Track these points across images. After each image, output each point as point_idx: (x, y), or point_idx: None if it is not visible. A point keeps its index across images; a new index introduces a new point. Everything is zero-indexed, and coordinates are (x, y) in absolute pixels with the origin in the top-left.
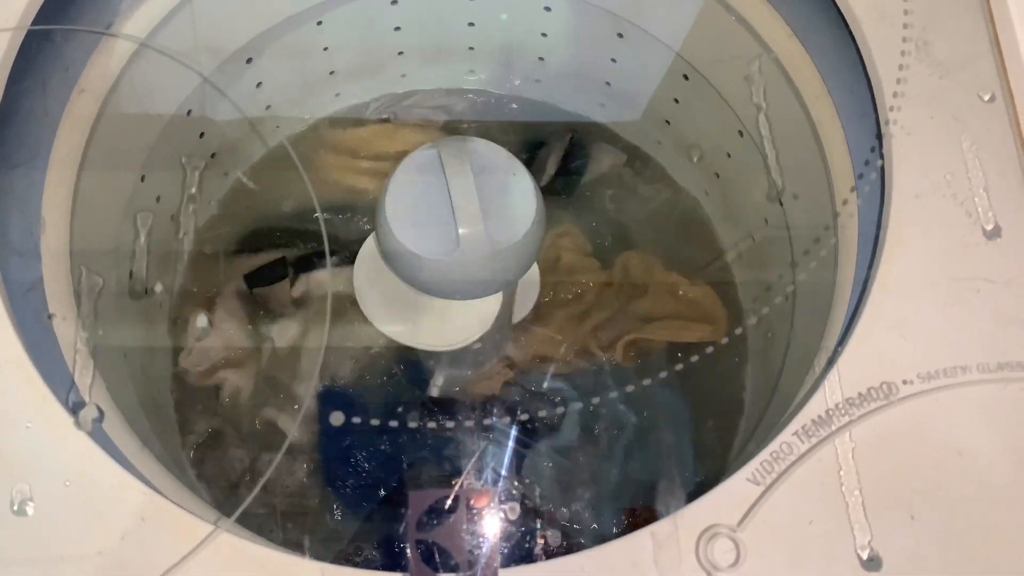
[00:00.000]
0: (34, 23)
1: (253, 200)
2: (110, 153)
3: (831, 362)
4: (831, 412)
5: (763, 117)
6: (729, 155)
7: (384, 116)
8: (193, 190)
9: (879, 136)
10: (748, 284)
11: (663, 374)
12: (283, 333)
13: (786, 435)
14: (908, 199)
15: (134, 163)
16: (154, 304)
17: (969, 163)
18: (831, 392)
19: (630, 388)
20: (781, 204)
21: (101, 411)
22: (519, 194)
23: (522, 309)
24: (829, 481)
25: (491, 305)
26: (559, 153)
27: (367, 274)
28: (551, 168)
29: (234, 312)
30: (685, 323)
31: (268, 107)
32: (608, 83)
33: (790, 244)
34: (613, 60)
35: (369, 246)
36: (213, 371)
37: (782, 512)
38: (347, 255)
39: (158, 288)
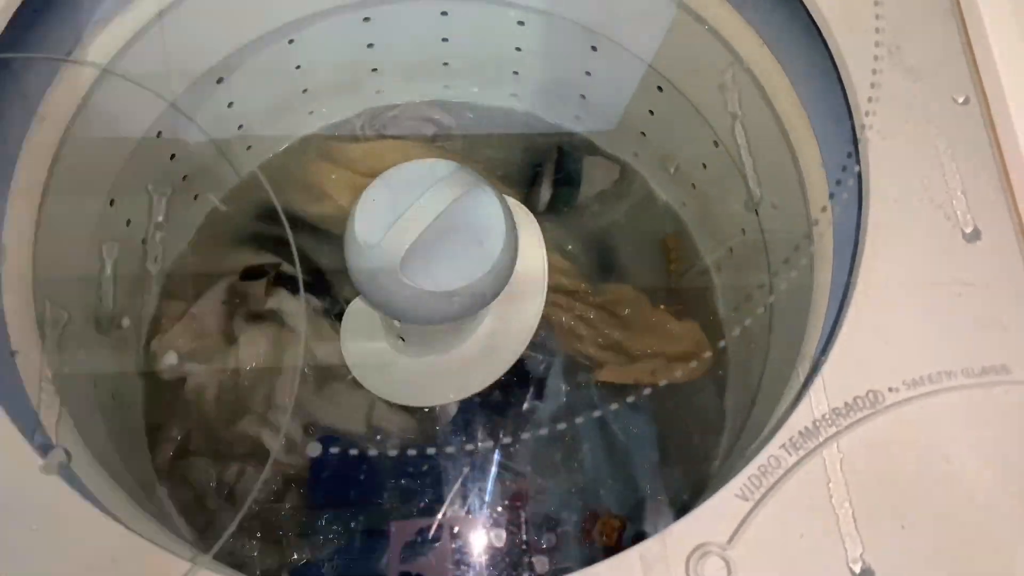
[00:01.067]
0: None
1: (251, 207)
2: (75, 179)
3: (814, 371)
4: (818, 423)
5: (739, 126)
6: (705, 166)
7: (375, 131)
8: (160, 218)
9: (854, 142)
10: (728, 294)
11: (645, 391)
12: (248, 344)
13: (773, 448)
14: (886, 203)
15: (101, 188)
16: (117, 331)
17: (946, 166)
18: (817, 402)
19: (612, 407)
20: (757, 214)
21: (68, 453)
22: (482, 260)
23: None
24: (818, 493)
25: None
26: (551, 171)
27: (352, 335)
28: (546, 193)
29: (214, 307)
30: (668, 364)
31: (240, 126)
32: (583, 96)
33: (766, 253)
34: (588, 73)
35: (355, 307)
36: (181, 362)
37: (772, 527)
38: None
39: (125, 323)
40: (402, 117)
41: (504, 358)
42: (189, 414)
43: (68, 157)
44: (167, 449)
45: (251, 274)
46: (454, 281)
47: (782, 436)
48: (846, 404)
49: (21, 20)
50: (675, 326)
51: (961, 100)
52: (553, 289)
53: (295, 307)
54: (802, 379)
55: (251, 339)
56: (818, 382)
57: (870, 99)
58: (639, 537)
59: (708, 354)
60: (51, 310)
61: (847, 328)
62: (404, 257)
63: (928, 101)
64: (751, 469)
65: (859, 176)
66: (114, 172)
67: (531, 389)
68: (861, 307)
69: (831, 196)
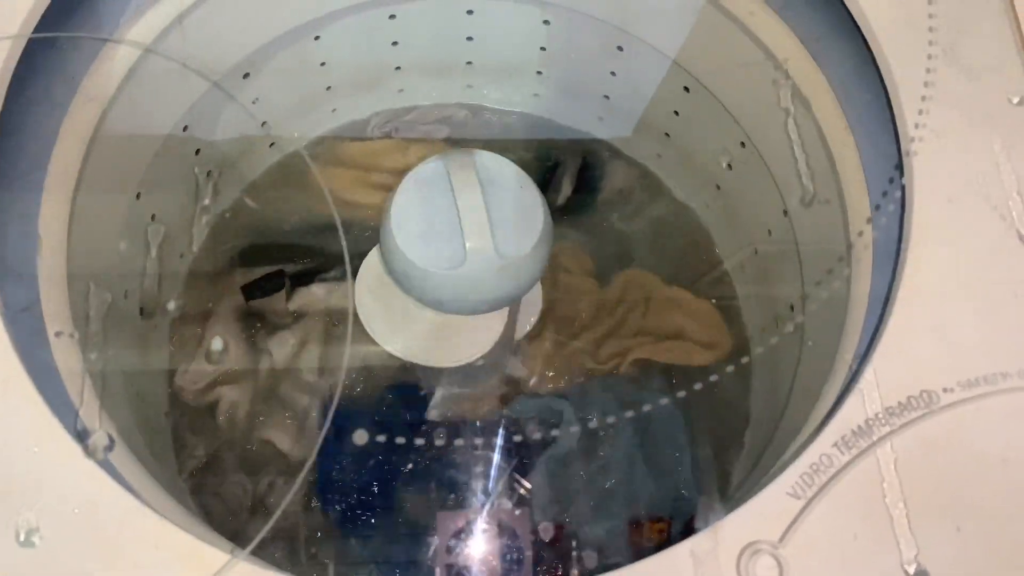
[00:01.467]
0: (36, 31)
1: (250, 218)
2: (107, 169)
3: (859, 369)
4: (871, 422)
5: (791, 122)
6: (730, 167)
7: (385, 132)
8: (207, 201)
9: (898, 146)
10: (754, 297)
11: (665, 395)
12: (281, 346)
13: (824, 446)
14: (939, 203)
15: (130, 180)
16: (150, 325)
17: (1002, 166)
18: (869, 401)
19: (632, 406)
20: (786, 214)
21: (112, 439)
22: (526, 207)
23: (523, 327)
24: (872, 494)
25: (495, 322)
26: (573, 172)
27: (368, 289)
28: (567, 188)
29: (230, 328)
30: (690, 346)
31: (264, 123)
32: (607, 96)
33: (798, 255)
34: (613, 73)
35: (370, 262)
36: (210, 389)
37: (825, 527)
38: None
39: (171, 306)
40: (418, 121)
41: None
42: (218, 431)
43: (101, 145)
44: (193, 461)
45: (256, 290)
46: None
47: (832, 434)
48: (899, 404)
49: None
50: (691, 303)
51: (1016, 100)
52: (557, 284)
53: (317, 298)
54: (842, 377)
55: (281, 341)
56: (870, 380)
57: (923, 98)
58: (686, 534)
59: (726, 331)
60: (95, 293)
61: (897, 327)
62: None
63: (983, 101)
64: (802, 467)
65: (902, 177)
66: (143, 165)
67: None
68: (912, 305)
69: (884, 194)
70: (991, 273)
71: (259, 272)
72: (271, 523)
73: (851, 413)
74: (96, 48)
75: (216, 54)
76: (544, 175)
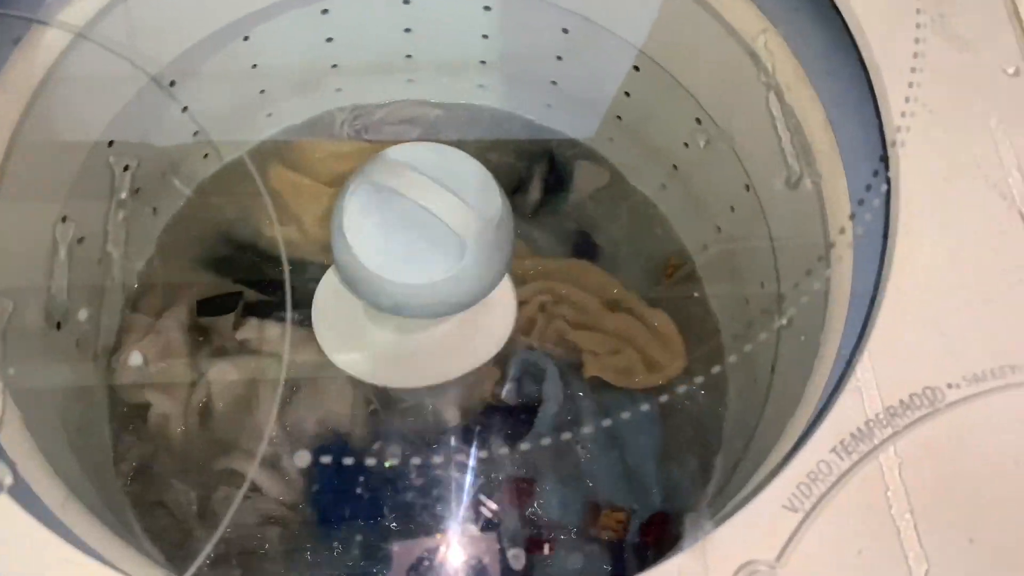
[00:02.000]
0: None
1: (200, 228)
2: (24, 172)
3: (851, 366)
4: (871, 424)
5: (773, 97)
6: (687, 144)
7: (355, 132)
8: (123, 195)
9: (881, 133)
10: (725, 297)
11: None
12: (219, 377)
13: (821, 451)
14: (933, 182)
15: (49, 183)
16: (77, 332)
17: (1000, 141)
18: (868, 400)
19: (602, 412)
20: (753, 197)
21: (15, 471)
22: (480, 183)
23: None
24: (876, 504)
25: (469, 339)
26: (542, 175)
27: (327, 315)
28: (535, 192)
29: (173, 338)
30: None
31: (196, 133)
32: (554, 82)
33: (772, 248)
34: (559, 58)
35: (323, 289)
36: (140, 387)
37: (826, 543)
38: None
39: (82, 315)
40: (381, 122)
41: (489, 342)
42: (156, 441)
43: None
44: (133, 473)
45: (211, 306)
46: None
47: (829, 438)
48: (901, 403)
49: None
50: (645, 311)
51: (1011, 71)
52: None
53: (269, 333)
54: (826, 376)
55: (222, 371)
56: (866, 378)
57: (913, 69)
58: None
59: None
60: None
61: (892, 320)
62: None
63: (977, 73)
64: (798, 476)
65: (888, 160)
66: (68, 178)
67: (517, 384)
68: (906, 295)
69: (874, 174)
70: (993, 256)
71: (216, 287)
72: (207, 550)
73: (848, 414)
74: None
75: (137, 62)
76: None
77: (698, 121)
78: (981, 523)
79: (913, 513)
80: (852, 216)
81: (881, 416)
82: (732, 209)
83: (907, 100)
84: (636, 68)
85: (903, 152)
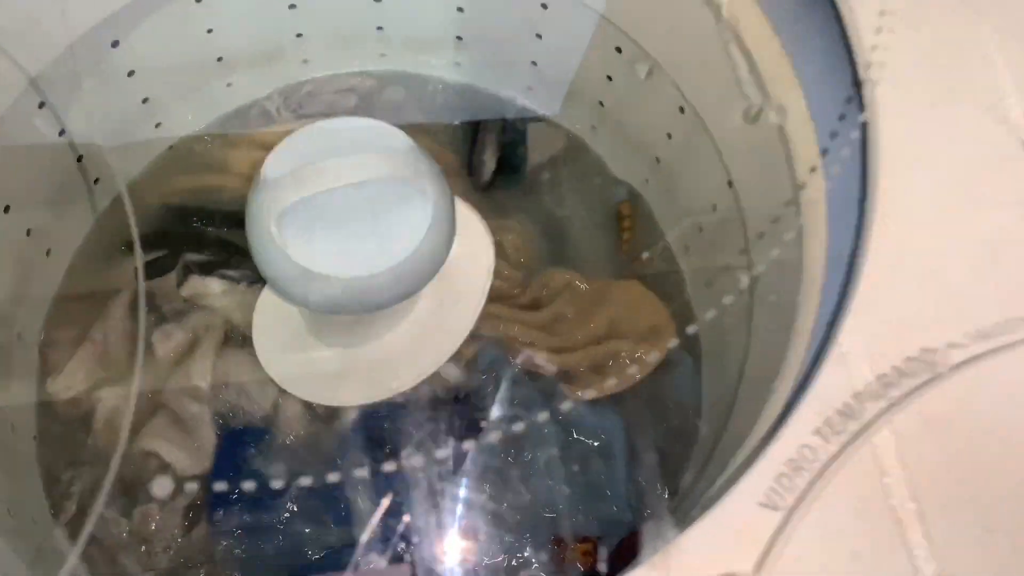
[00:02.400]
0: None
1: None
2: None
3: (832, 330)
4: (860, 396)
5: (723, 27)
6: (670, 136)
7: (292, 112)
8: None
9: (850, 56)
10: (697, 271)
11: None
12: (164, 340)
13: (802, 434)
14: (920, 110)
15: None
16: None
17: (994, 56)
18: (855, 369)
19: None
20: (730, 186)
21: None
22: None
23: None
24: (872, 493)
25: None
26: (494, 145)
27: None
28: (490, 163)
29: (117, 325)
30: (632, 350)
31: (146, 100)
32: (534, 63)
33: (743, 221)
34: (538, 36)
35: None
36: (87, 394)
37: (814, 544)
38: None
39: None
40: (319, 92)
41: (433, 358)
42: (95, 450)
43: None
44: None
45: (153, 269)
46: (330, 266)
47: (811, 417)
48: (895, 369)
49: None
50: (618, 290)
51: None
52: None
53: (212, 293)
54: (805, 344)
55: (166, 334)
56: (852, 344)
57: None
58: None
59: (669, 323)
60: None
61: (878, 274)
62: (287, 210)
63: None
64: (776, 465)
65: (857, 79)
66: None
67: (469, 399)
68: (893, 243)
69: (847, 101)
70: (991, 192)
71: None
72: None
73: (833, 387)
74: None
75: (68, 12)
76: (467, 149)
77: (681, 110)
78: (997, 509)
79: (917, 501)
80: (824, 153)
81: (872, 387)
82: (669, 136)
83: (881, 13)
84: (618, 50)
85: (880, 74)
